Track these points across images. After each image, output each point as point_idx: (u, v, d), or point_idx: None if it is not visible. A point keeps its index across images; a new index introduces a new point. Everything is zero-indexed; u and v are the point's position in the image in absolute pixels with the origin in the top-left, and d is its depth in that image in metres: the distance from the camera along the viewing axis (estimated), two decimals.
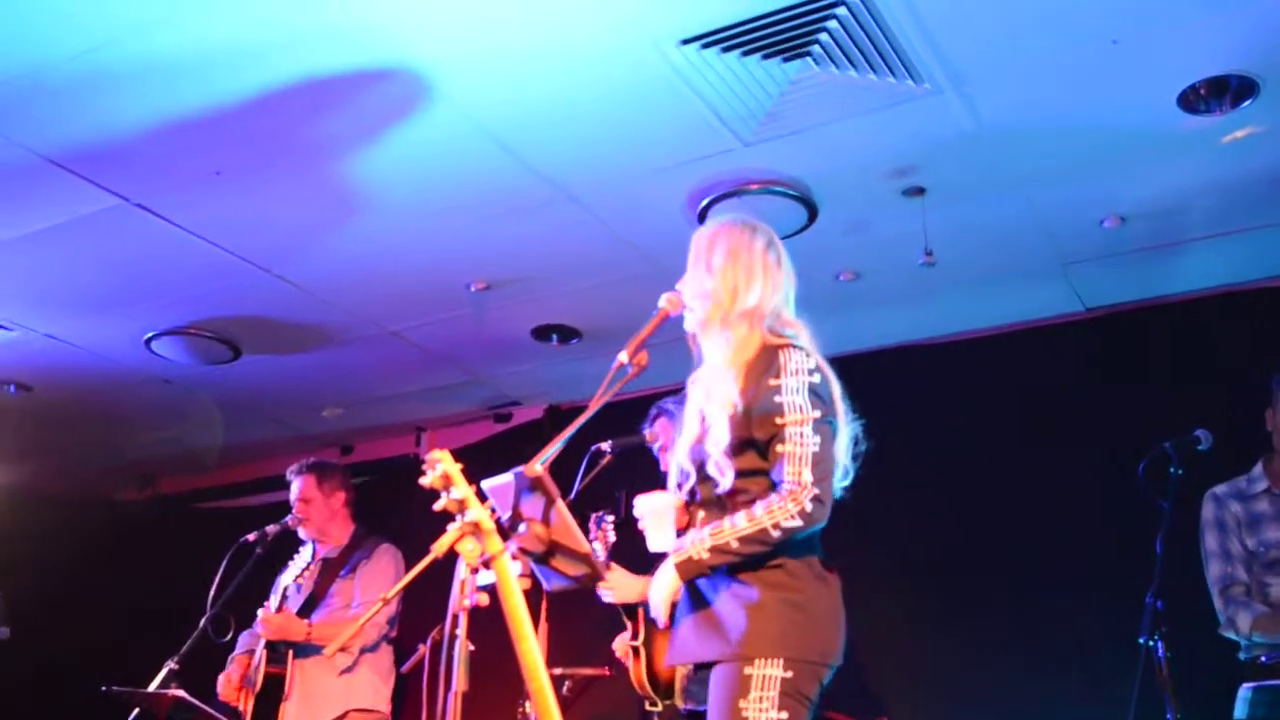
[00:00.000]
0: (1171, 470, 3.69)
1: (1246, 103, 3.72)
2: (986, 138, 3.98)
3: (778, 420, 2.62)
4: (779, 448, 2.62)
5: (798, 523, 2.54)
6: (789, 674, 2.52)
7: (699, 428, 2.77)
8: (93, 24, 3.36)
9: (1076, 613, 4.75)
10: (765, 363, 2.70)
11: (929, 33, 3.43)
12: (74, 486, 7.80)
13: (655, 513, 2.79)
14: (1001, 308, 5.38)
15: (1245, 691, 3.73)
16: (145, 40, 3.43)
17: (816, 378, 2.68)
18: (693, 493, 2.80)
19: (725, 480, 2.69)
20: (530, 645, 2.25)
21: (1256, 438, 3.96)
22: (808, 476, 2.57)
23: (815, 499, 2.56)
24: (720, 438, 2.69)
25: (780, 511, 2.55)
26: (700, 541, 2.62)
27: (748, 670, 2.53)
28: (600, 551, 3.92)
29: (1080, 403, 5.14)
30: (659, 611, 2.72)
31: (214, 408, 6.59)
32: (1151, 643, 3.41)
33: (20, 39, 3.41)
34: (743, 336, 2.77)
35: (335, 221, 4.55)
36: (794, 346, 2.71)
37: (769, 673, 2.52)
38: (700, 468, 2.75)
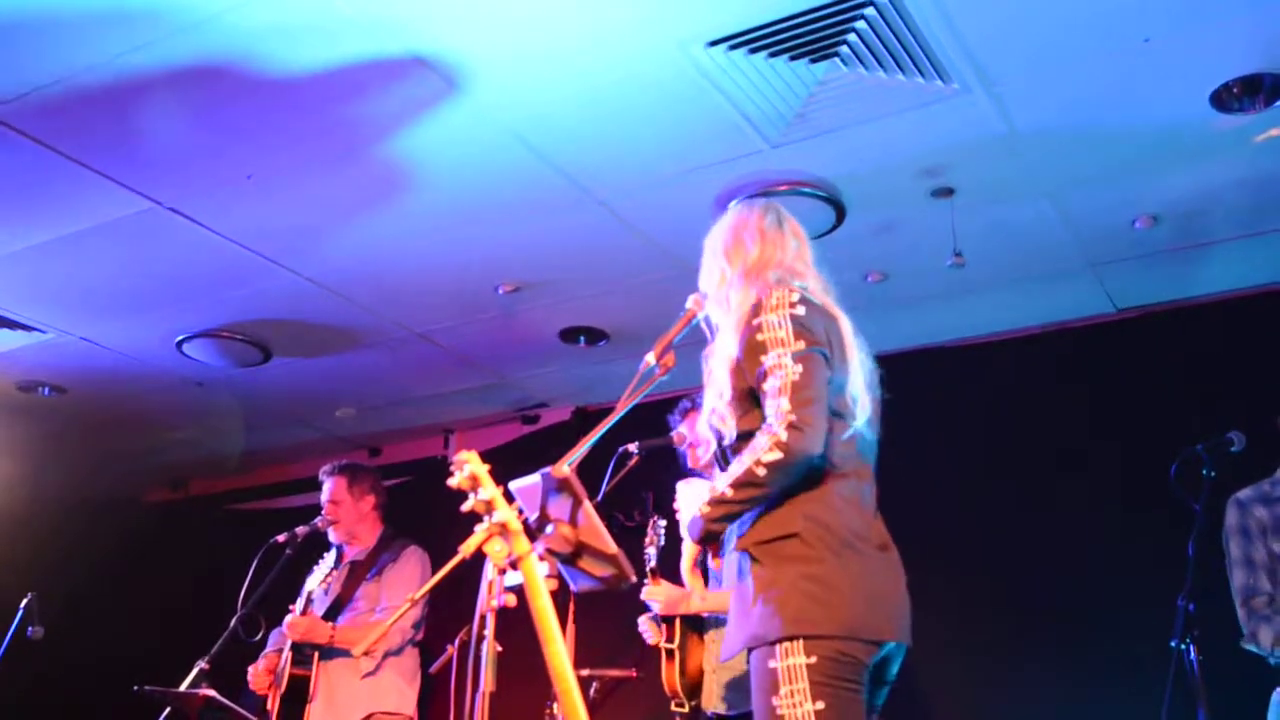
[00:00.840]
0: (1204, 472, 3.65)
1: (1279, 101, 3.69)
2: (1017, 138, 3.95)
3: (761, 358, 2.56)
4: (764, 386, 2.55)
5: (777, 454, 2.44)
6: (813, 659, 2.40)
7: (713, 394, 2.74)
8: (123, 30, 3.39)
9: (1109, 615, 4.72)
10: (753, 309, 2.66)
11: (958, 32, 3.41)
12: (106, 487, 7.88)
13: (690, 500, 2.73)
14: (1031, 309, 5.34)
15: (1279, 695, 3.69)
16: (169, 47, 3.46)
17: (800, 309, 2.60)
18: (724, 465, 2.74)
19: (729, 431, 2.64)
20: (558, 647, 2.25)
21: None
22: (785, 405, 2.47)
23: (791, 426, 2.44)
24: (722, 390, 2.66)
25: (760, 447, 2.47)
26: (701, 499, 2.58)
27: (772, 664, 2.44)
28: (652, 556, 3.90)
29: (1111, 404, 5.10)
30: (684, 579, 2.69)
31: (238, 412, 6.63)
32: (1183, 646, 3.38)
33: (54, 45, 3.45)
34: (742, 294, 2.73)
35: (365, 225, 4.57)
36: (781, 289, 2.65)
37: (794, 662, 2.41)
38: (715, 429, 2.71)
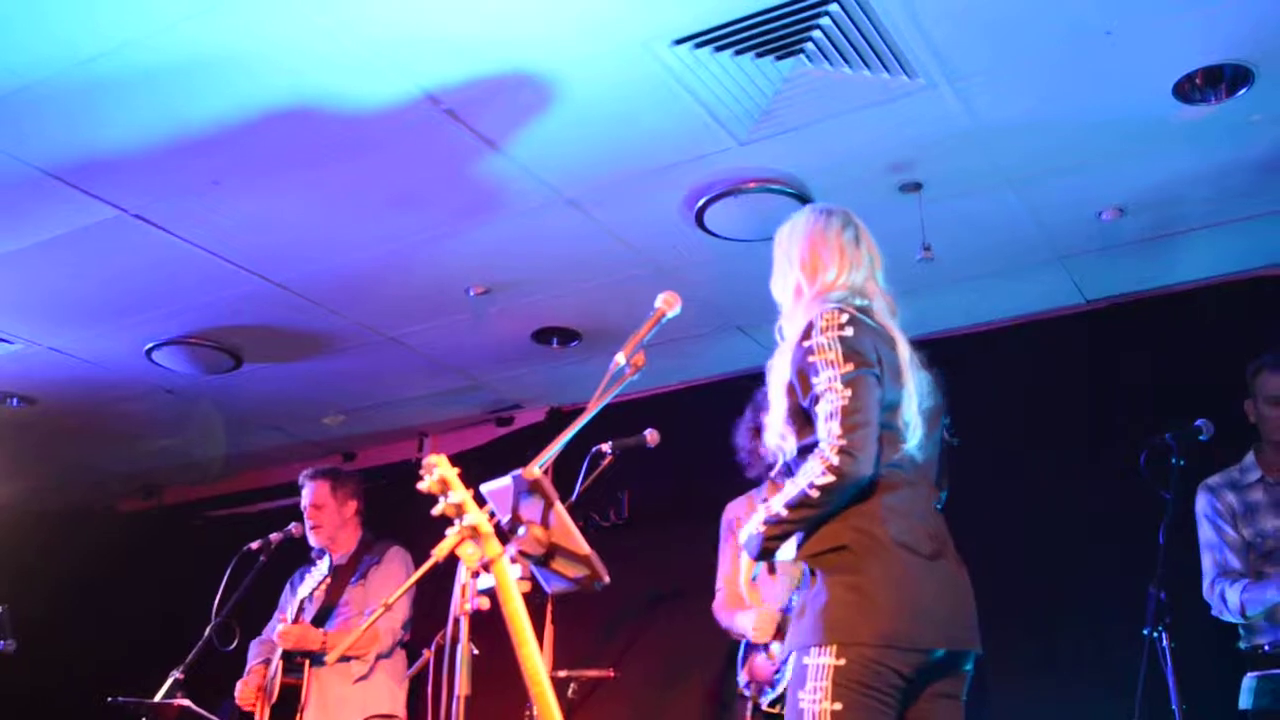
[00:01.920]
0: (1173, 461, 3.68)
1: (1241, 91, 3.71)
2: (982, 131, 3.97)
3: (812, 380, 2.62)
4: (817, 408, 2.61)
5: (829, 478, 2.50)
6: (841, 661, 2.46)
7: (772, 413, 2.80)
8: (84, 38, 3.37)
9: (1080, 604, 4.75)
10: (804, 331, 2.70)
11: (922, 27, 3.43)
12: (78, 498, 7.82)
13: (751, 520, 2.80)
14: (1001, 301, 5.37)
15: (1250, 680, 3.73)
16: (138, 52, 3.44)
17: (849, 330, 2.64)
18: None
19: (789, 447, 2.71)
20: (531, 649, 2.25)
21: (1253, 428, 3.96)
22: (835, 429, 2.52)
23: (841, 451, 2.50)
24: (778, 409, 2.73)
25: (811, 470, 2.54)
26: (758, 517, 2.65)
27: (805, 660, 2.51)
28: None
29: (1082, 394, 5.14)
30: (742, 591, 2.75)
31: (217, 416, 6.59)
32: (1155, 634, 3.41)
33: (14, 53, 3.42)
34: (807, 313, 2.76)
35: (333, 228, 4.55)
36: (831, 308, 2.69)
37: (822, 661, 2.47)
38: (776, 448, 2.78)
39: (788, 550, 2.68)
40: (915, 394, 2.74)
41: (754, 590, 2.73)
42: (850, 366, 2.59)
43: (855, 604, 2.51)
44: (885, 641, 2.48)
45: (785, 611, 3.95)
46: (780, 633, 3.93)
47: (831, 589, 2.55)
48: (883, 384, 2.65)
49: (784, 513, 2.58)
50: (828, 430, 2.55)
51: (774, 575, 2.77)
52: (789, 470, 2.73)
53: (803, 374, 2.65)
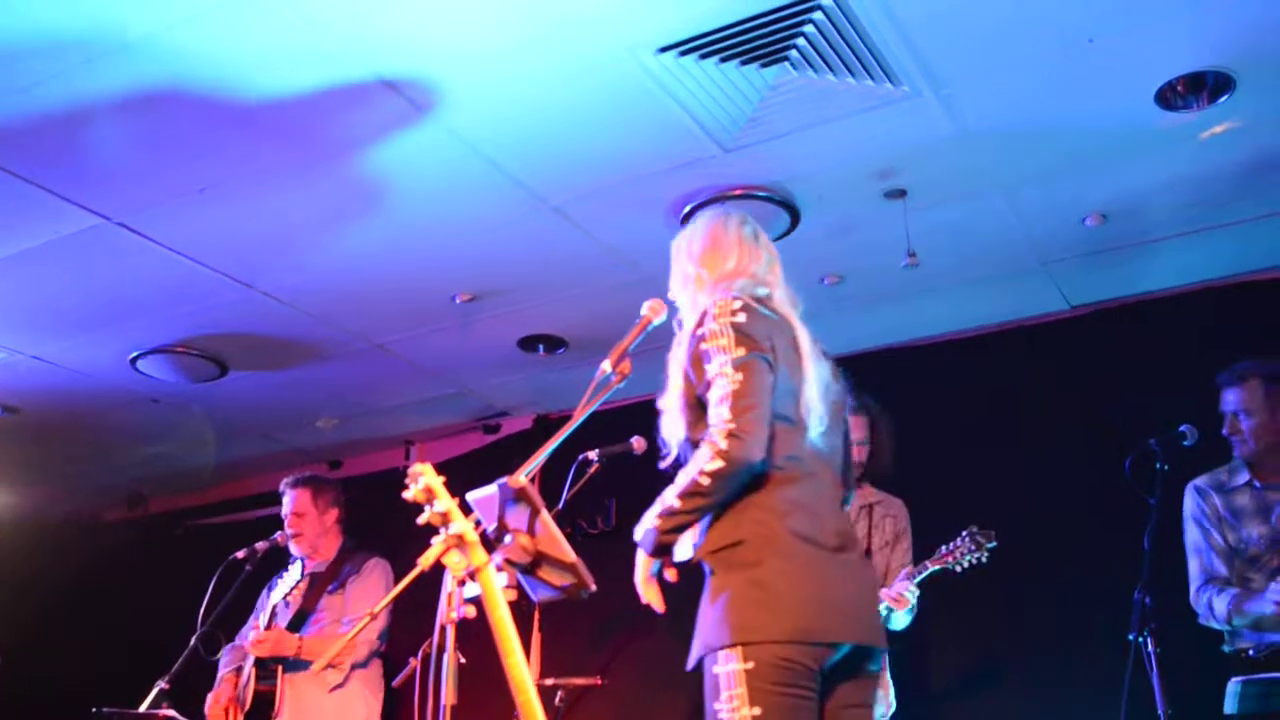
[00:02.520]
0: (1158, 466, 3.70)
1: (1223, 98, 3.73)
2: (966, 139, 3.99)
3: (705, 366, 2.59)
4: (708, 395, 2.56)
5: (718, 463, 2.45)
6: (750, 664, 2.40)
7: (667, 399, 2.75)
8: (67, 47, 3.36)
9: (1066, 610, 4.76)
10: (700, 317, 2.68)
11: (906, 35, 3.44)
12: (63, 508, 7.78)
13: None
14: (986, 307, 5.39)
15: (1235, 685, 3.73)
16: (121, 61, 3.43)
17: (742, 316, 2.61)
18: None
19: (678, 431, 2.67)
20: (517, 658, 2.24)
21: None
22: (725, 414, 2.48)
23: (729, 435, 2.45)
24: (673, 392, 2.69)
25: (701, 457, 2.49)
26: (652, 510, 2.59)
27: (715, 669, 2.45)
28: None
29: (1066, 400, 5.15)
30: (641, 595, 2.67)
31: (203, 425, 6.57)
32: (1141, 639, 3.42)
33: None
34: (708, 300, 2.74)
35: (319, 236, 4.54)
36: (725, 296, 2.67)
37: (732, 668, 2.42)
38: (671, 434, 2.73)
39: (684, 549, 2.63)
40: (816, 380, 2.71)
41: (651, 586, 2.65)
42: (741, 351, 2.56)
43: (757, 600, 2.46)
44: (791, 637, 2.43)
45: None
46: None
47: (732, 586, 2.50)
48: (775, 370, 2.61)
49: (676, 503, 2.52)
50: (717, 415, 2.50)
51: (673, 573, 2.68)
52: (680, 461, 2.69)
53: (696, 361, 2.62)
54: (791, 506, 2.57)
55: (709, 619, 2.53)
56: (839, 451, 2.81)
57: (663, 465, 2.78)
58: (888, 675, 4.06)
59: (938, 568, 3.95)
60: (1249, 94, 3.73)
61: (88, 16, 3.25)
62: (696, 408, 2.64)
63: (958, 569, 3.91)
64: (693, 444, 2.62)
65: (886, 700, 4.04)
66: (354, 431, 6.87)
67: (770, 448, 2.54)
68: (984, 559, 3.91)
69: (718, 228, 2.89)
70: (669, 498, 2.54)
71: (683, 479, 2.53)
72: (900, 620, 4.04)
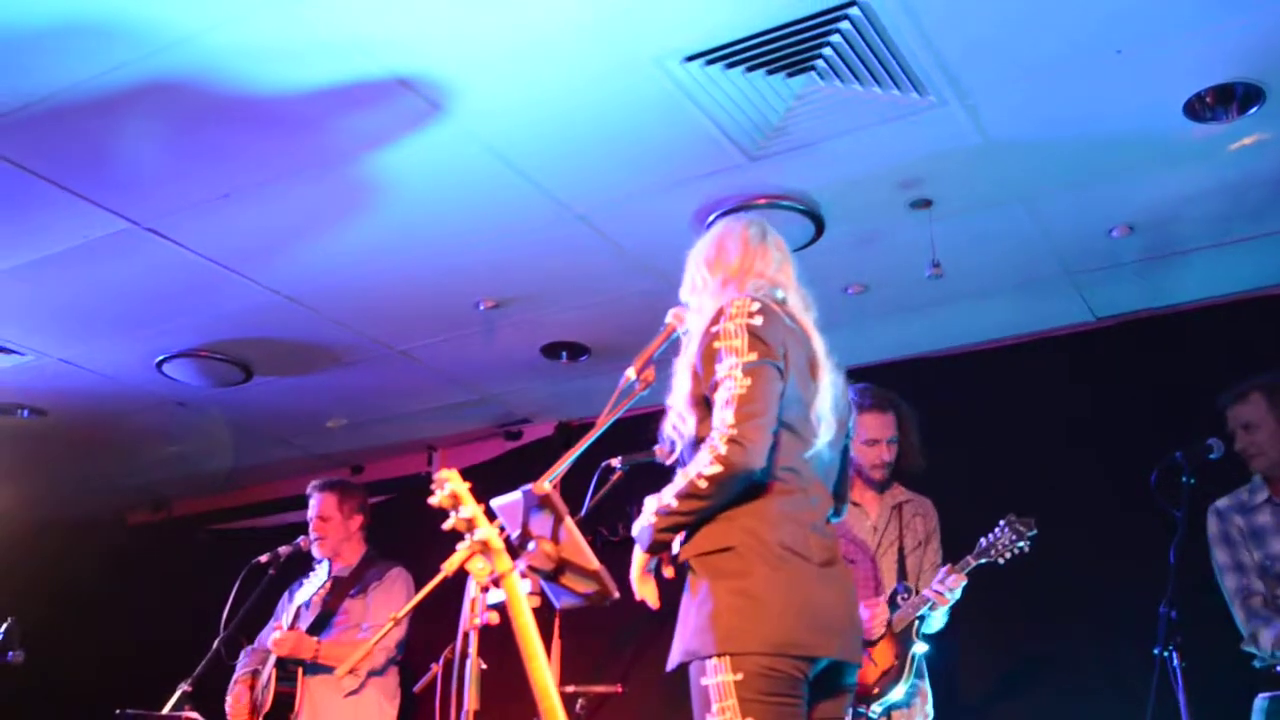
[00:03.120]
0: (1184, 479, 3.68)
1: (1253, 110, 3.71)
2: (992, 149, 3.98)
3: (715, 366, 2.57)
4: (715, 396, 2.55)
5: (717, 468, 2.45)
6: (738, 675, 2.40)
7: (674, 397, 2.75)
8: (97, 51, 3.39)
9: (1092, 623, 4.73)
10: (713, 316, 2.67)
11: (932, 45, 3.43)
12: (87, 510, 7.83)
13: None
14: (1011, 318, 5.37)
15: (1261, 701, 3.71)
16: (147, 67, 3.46)
17: (759, 320, 2.60)
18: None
19: (686, 429, 2.66)
20: (540, 664, 2.24)
21: None
22: (729, 418, 2.47)
23: (731, 440, 2.44)
24: (680, 392, 2.68)
25: (701, 460, 2.48)
26: (649, 508, 2.59)
27: (704, 680, 2.45)
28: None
29: (1092, 412, 5.12)
30: (635, 590, 2.65)
31: (227, 429, 6.60)
32: (1166, 653, 3.40)
33: (28, 67, 3.44)
34: (714, 303, 2.73)
35: (344, 242, 4.56)
36: (744, 297, 2.66)
37: (722, 679, 2.41)
38: (675, 430, 2.72)
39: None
40: (829, 392, 2.70)
41: (646, 581, 2.64)
42: (753, 356, 2.54)
43: (743, 610, 2.46)
44: (777, 649, 2.44)
45: None
46: None
47: (717, 594, 2.49)
48: (785, 377, 2.60)
49: (674, 503, 2.52)
50: (720, 419, 2.49)
51: (670, 570, 2.68)
52: (682, 460, 2.69)
53: (707, 360, 2.60)
54: (783, 518, 2.56)
55: (691, 624, 2.53)
56: (835, 466, 2.81)
57: (666, 461, 2.78)
58: (926, 684, 4.04)
59: (982, 561, 3.92)
60: (1279, 105, 3.71)
61: (115, 20, 3.27)
62: (703, 406, 2.63)
63: (1000, 561, 3.89)
64: (697, 442, 2.62)
65: (924, 711, 4.02)
66: (376, 437, 6.89)
67: (771, 457, 2.53)
68: (1026, 547, 3.88)
69: (725, 233, 2.91)
70: (666, 497, 2.55)
71: (681, 480, 2.53)
72: (938, 620, 4.01)
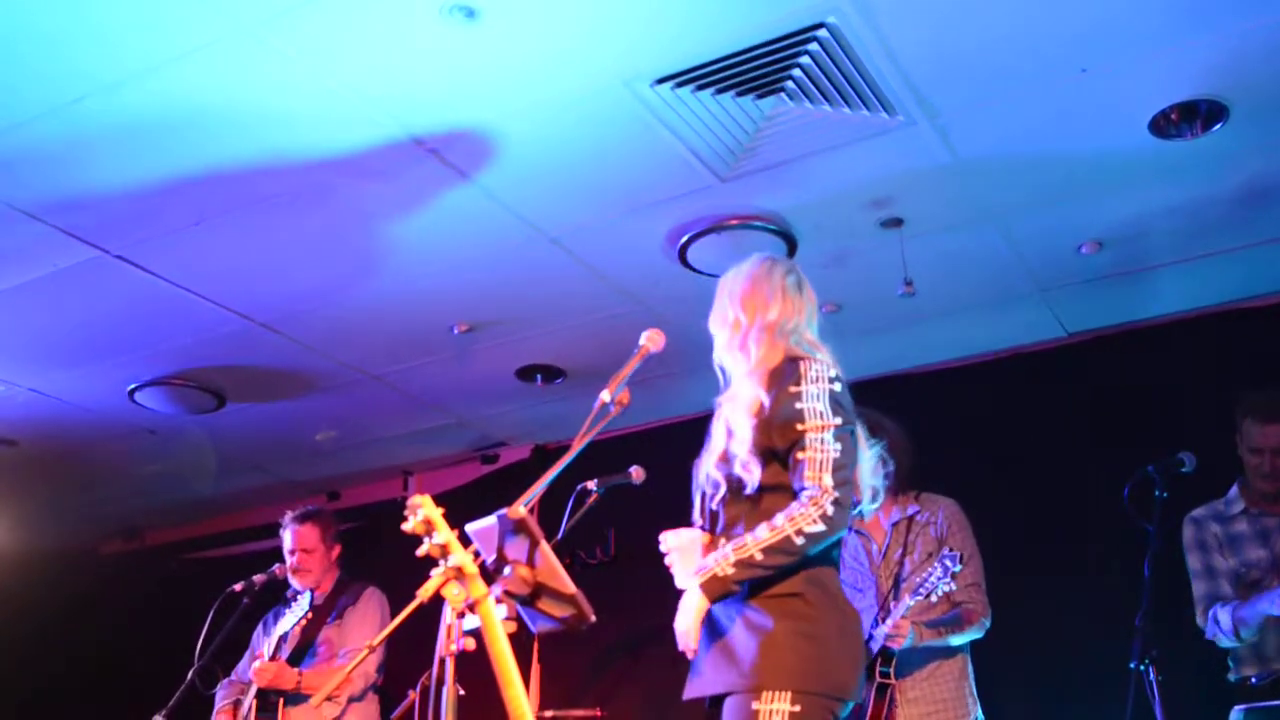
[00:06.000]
0: (1156, 493, 3.69)
1: (1217, 126, 3.76)
2: (961, 168, 4.01)
3: (798, 426, 2.62)
4: (799, 454, 2.61)
5: (820, 527, 2.52)
6: (797, 708, 2.46)
7: (725, 440, 2.76)
8: (67, 80, 3.38)
9: (1066, 638, 4.74)
10: (787, 372, 2.71)
11: (901, 65, 3.46)
12: (59, 540, 7.75)
13: (681, 548, 2.74)
14: (983, 335, 5.40)
15: (1237, 713, 3.73)
16: (119, 96, 3.46)
17: (838, 386, 2.70)
18: (714, 519, 2.77)
19: (752, 479, 2.67)
20: (516, 690, 2.24)
21: (1237, 460, 3.98)
22: (829, 480, 2.56)
23: (835, 502, 2.54)
24: (744, 438, 2.69)
25: (802, 517, 2.53)
26: (724, 558, 2.58)
27: (755, 705, 2.48)
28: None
29: (1065, 427, 5.15)
30: (687, 639, 2.66)
31: (201, 457, 6.55)
32: (1143, 667, 3.41)
33: None
34: (765, 350, 2.78)
35: (316, 267, 4.55)
36: (815, 359, 2.74)
37: (776, 707, 2.47)
38: (729, 477, 2.73)
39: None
40: (871, 458, 2.82)
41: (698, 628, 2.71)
42: (839, 421, 2.64)
43: (812, 654, 2.54)
44: (838, 693, 2.55)
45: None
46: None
47: (785, 634, 2.55)
48: (858, 443, 2.74)
49: (758, 556, 2.55)
50: (816, 479, 2.57)
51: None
52: (748, 505, 2.69)
53: (787, 418, 2.65)
54: (839, 570, 2.76)
55: (750, 658, 2.55)
56: None
57: (712, 505, 2.79)
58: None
59: (918, 597, 3.90)
60: (1242, 122, 3.75)
61: (83, 48, 3.27)
62: (770, 459, 2.68)
63: (934, 598, 3.88)
64: (760, 492, 2.66)
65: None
66: (352, 462, 6.86)
67: None
68: (953, 586, 3.87)
69: (760, 272, 2.91)
70: (751, 549, 2.55)
71: (770, 536, 2.55)
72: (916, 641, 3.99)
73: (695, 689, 2.69)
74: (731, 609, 2.64)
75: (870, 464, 2.80)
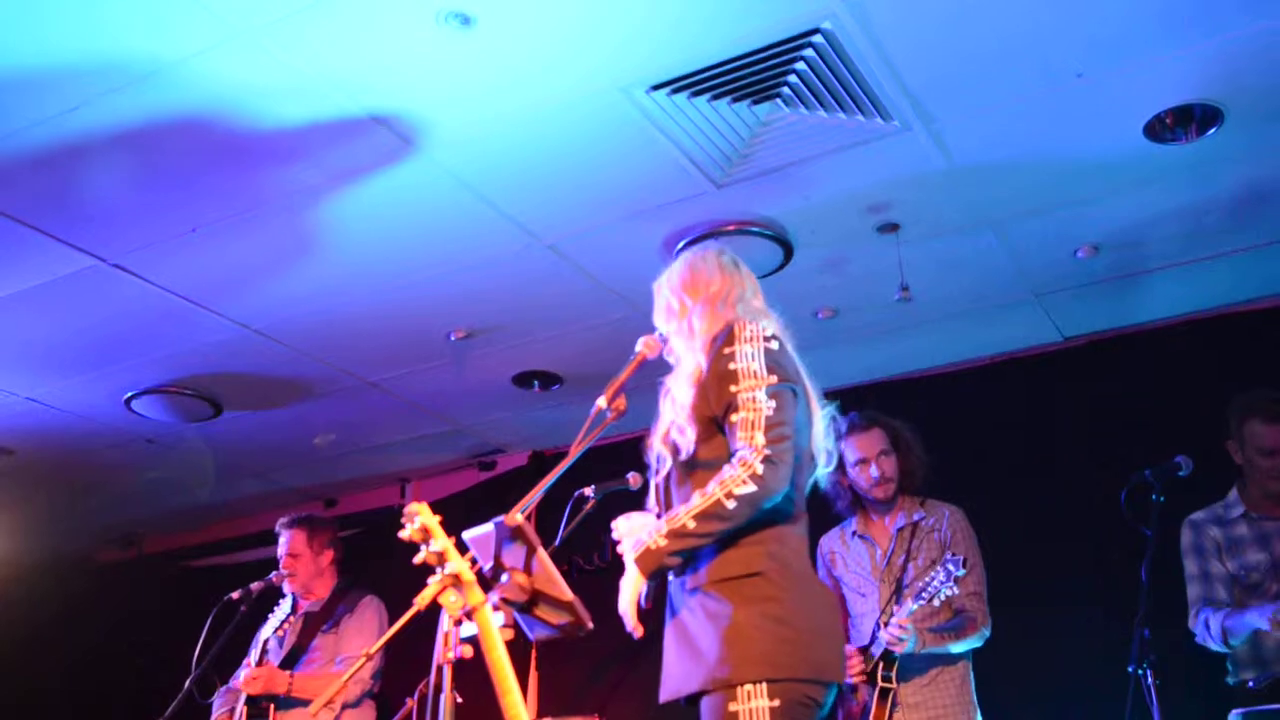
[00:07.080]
0: (1153, 497, 3.68)
1: (1211, 130, 3.76)
2: (957, 173, 4.01)
3: (731, 388, 2.55)
4: (733, 417, 2.53)
5: (750, 488, 2.42)
6: (775, 702, 2.37)
7: (671, 413, 2.71)
8: (62, 89, 3.39)
9: (1064, 643, 4.74)
10: (722, 335, 2.66)
11: (896, 71, 3.47)
12: (57, 548, 7.73)
13: (632, 532, 2.67)
14: (980, 340, 5.40)
15: (1235, 717, 3.72)
16: (114, 103, 3.46)
17: (774, 344, 2.62)
18: (668, 501, 2.70)
19: (686, 442, 2.61)
20: (515, 698, 2.23)
21: (1234, 464, 3.98)
22: (760, 439, 2.46)
23: (767, 460, 2.43)
24: (684, 404, 2.65)
25: (732, 479, 2.44)
26: (656, 530, 2.51)
27: (733, 707, 2.39)
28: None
29: (1060, 432, 5.15)
30: (628, 618, 2.56)
31: (198, 464, 6.54)
32: (1140, 671, 3.40)
33: None
34: (708, 322, 2.74)
35: (313, 275, 4.55)
36: (754, 323, 2.67)
37: (755, 705, 2.37)
38: (672, 446, 2.67)
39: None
40: (822, 421, 2.73)
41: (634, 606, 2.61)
42: (774, 379, 2.56)
43: (782, 638, 2.44)
44: (817, 676, 2.45)
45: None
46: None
47: (748, 619, 2.45)
48: (797, 403, 2.62)
49: (690, 524, 2.46)
50: (748, 438, 2.48)
51: (648, 603, 2.65)
52: (685, 472, 2.64)
53: (720, 379, 2.59)
54: (799, 543, 2.59)
55: (715, 651, 2.46)
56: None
57: (654, 479, 2.76)
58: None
59: (920, 602, 3.89)
60: (1237, 126, 3.76)
61: (79, 56, 3.27)
62: (707, 424, 2.61)
63: (936, 602, 3.87)
64: (695, 464, 2.61)
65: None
66: (349, 469, 6.85)
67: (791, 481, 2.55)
68: (955, 591, 3.86)
69: (696, 259, 2.91)
70: (682, 518, 2.48)
71: (701, 502, 2.47)
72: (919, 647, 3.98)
73: (668, 690, 2.61)
74: (690, 599, 2.56)
75: (822, 426, 2.72)
